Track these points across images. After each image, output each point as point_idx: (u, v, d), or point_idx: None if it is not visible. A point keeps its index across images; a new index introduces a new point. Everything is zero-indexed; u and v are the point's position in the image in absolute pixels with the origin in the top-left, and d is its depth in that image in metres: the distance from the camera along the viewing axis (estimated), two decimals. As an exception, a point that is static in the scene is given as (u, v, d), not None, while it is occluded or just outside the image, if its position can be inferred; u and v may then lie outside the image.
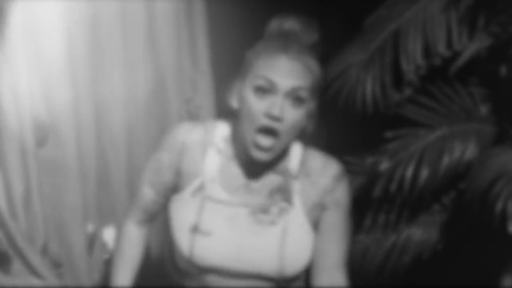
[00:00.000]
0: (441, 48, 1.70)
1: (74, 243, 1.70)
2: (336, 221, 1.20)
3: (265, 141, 1.08)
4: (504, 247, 1.70)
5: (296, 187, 1.18)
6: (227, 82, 1.23)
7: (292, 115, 1.08)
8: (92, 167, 1.69)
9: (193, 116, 1.83)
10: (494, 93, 1.72)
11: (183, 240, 1.14)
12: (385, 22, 1.75)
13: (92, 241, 1.75)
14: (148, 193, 1.23)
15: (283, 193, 1.18)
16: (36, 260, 1.61)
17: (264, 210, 1.16)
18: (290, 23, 1.16)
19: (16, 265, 1.61)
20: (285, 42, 1.12)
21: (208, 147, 1.17)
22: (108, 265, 1.75)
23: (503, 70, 1.69)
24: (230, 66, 1.27)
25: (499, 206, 1.43)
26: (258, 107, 1.08)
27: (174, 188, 1.20)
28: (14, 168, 1.56)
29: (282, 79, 1.08)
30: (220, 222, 1.15)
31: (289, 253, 1.14)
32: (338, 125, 1.89)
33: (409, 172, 1.60)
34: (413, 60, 1.72)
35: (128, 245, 1.31)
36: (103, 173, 1.75)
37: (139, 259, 1.33)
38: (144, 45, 1.71)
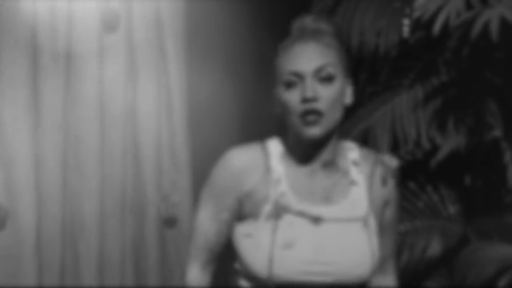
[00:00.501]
0: (410, 145, 1.78)
1: None
2: (394, 215, 1.24)
3: (310, 118, 1.10)
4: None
5: (363, 187, 1.20)
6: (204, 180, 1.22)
7: (327, 93, 1.11)
8: (56, 256, 1.64)
9: (169, 213, 1.84)
10: (463, 197, 1.79)
11: (262, 261, 1.13)
12: (356, 122, 1.85)
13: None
14: (209, 227, 1.19)
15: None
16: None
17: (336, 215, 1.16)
18: (308, 20, 1.20)
19: None
20: (299, 32, 1.17)
21: (269, 165, 1.17)
22: None
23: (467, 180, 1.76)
24: (209, 163, 1.25)
25: None
26: (294, 98, 1.10)
27: (236, 216, 1.18)
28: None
29: (303, 65, 1.12)
30: (301, 232, 1.15)
31: (375, 250, 1.16)
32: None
33: None
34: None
35: None
36: (71, 264, 1.69)
37: None
38: (124, 140, 1.75)
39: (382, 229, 1.22)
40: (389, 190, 1.22)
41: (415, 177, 1.84)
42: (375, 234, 1.20)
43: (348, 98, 1.19)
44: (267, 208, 1.16)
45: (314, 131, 1.11)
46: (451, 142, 1.73)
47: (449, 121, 1.74)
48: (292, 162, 1.17)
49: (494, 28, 1.38)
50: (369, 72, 1.95)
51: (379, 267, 1.22)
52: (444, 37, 1.66)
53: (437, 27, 1.54)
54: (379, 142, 1.79)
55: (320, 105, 1.10)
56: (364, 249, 1.16)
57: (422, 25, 1.68)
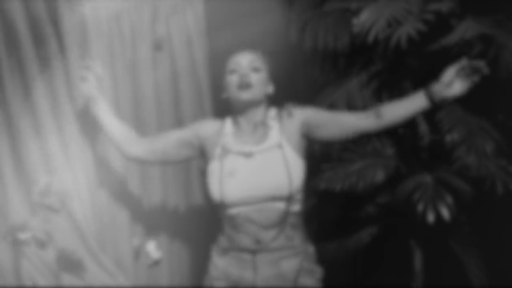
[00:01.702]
0: None
1: (124, 253, 2.04)
2: (324, 113, 1.73)
3: (244, 86, 1.63)
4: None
5: (276, 128, 1.66)
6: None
7: (255, 77, 1.64)
8: (136, 197, 2.06)
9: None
10: (396, 140, 2.32)
11: (215, 188, 1.60)
12: (323, 100, 2.32)
13: (138, 251, 2.09)
14: (168, 138, 1.73)
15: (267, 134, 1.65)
16: (107, 261, 1.94)
17: (263, 148, 1.62)
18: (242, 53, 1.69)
19: (90, 269, 1.91)
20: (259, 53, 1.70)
21: (223, 127, 1.70)
22: (151, 269, 2.13)
23: (400, 131, 2.30)
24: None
25: (420, 207, 1.97)
26: (234, 78, 1.65)
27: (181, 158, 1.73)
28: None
29: (241, 59, 1.66)
30: (239, 164, 1.60)
31: (293, 171, 1.57)
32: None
33: (337, 190, 2.23)
34: None
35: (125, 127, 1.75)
36: (145, 201, 2.09)
37: (119, 131, 1.73)
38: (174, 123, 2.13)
39: (323, 126, 1.67)
40: (298, 114, 1.69)
41: None
42: (291, 155, 1.61)
43: (270, 89, 1.71)
44: (217, 151, 1.66)
45: (245, 95, 1.64)
46: None
47: (383, 96, 2.26)
48: (236, 125, 1.69)
49: (403, 40, 1.94)
50: (331, 63, 2.43)
51: (354, 123, 1.68)
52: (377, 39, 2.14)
53: (370, 38, 2.03)
54: (340, 111, 2.23)
55: (251, 79, 1.64)
56: (280, 166, 1.59)
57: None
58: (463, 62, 1.65)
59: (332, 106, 2.29)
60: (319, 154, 2.31)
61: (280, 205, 1.58)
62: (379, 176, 2.27)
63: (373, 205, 2.43)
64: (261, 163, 1.61)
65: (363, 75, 2.33)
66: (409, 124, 2.24)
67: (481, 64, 1.63)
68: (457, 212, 1.99)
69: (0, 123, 1.80)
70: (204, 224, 2.23)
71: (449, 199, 1.96)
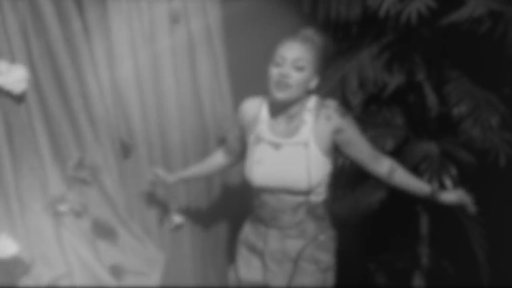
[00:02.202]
0: (370, 85, 2.38)
1: (150, 219, 2.16)
2: (354, 133, 1.68)
3: (282, 86, 1.60)
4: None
5: (309, 125, 1.64)
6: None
7: (296, 76, 1.59)
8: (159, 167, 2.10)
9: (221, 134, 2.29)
10: (406, 110, 2.42)
11: (246, 171, 1.69)
12: (335, 72, 2.44)
13: (162, 217, 2.20)
14: (231, 134, 1.84)
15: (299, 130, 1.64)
16: (136, 228, 2.07)
17: (290, 143, 1.63)
18: (307, 30, 1.65)
19: (122, 236, 2.03)
20: (296, 35, 1.62)
21: (260, 112, 1.71)
22: (174, 233, 2.24)
23: (411, 95, 2.41)
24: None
25: (425, 178, 2.06)
26: (275, 72, 1.60)
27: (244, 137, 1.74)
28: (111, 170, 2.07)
29: (287, 53, 1.60)
30: (267, 154, 1.65)
31: (313, 170, 1.60)
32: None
33: (348, 160, 2.24)
34: (352, 92, 2.42)
35: (208, 158, 1.93)
36: (167, 171, 2.10)
37: (208, 170, 1.91)
38: (190, 95, 2.21)
39: (351, 142, 1.68)
40: (336, 121, 1.65)
41: (375, 103, 2.46)
42: (315, 155, 1.62)
43: (312, 85, 1.65)
44: (252, 138, 1.71)
45: (280, 95, 1.61)
46: (396, 80, 2.34)
47: (394, 67, 2.32)
48: (271, 113, 1.69)
49: (414, 16, 2.00)
50: (343, 33, 2.48)
51: (372, 161, 1.71)
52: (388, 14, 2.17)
53: (381, 13, 2.10)
54: (351, 83, 2.37)
55: (290, 81, 1.60)
56: (302, 164, 1.61)
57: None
58: (465, 199, 1.79)
59: (343, 78, 2.35)
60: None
61: (297, 198, 1.65)
62: (389, 145, 2.34)
63: None
64: (285, 157, 1.65)
65: (374, 46, 2.36)
66: (418, 95, 2.35)
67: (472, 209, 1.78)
68: (461, 182, 2.09)
69: (35, 105, 1.91)
70: (221, 191, 2.36)
71: (453, 170, 2.05)
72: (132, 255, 2.03)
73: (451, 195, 1.79)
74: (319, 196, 1.69)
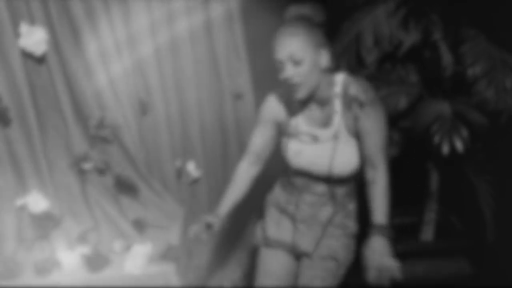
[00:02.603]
0: (385, 42, 2.36)
1: (167, 173, 2.24)
2: (370, 124, 1.54)
3: (292, 88, 1.53)
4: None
5: (339, 114, 1.58)
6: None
7: (298, 71, 1.50)
8: (176, 123, 2.22)
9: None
10: (421, 68, 2.41)
11: (287, 158, 1.66)
12: (350, 27, 2.43)
13: (180, 172, 2.28)
14: (256, 138, 1.70)
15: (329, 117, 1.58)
16: (155, 183, 2.16)
17: (326, 136, 1.59)
18: (302, 8, 1.52)
19: (142, 191, 2.11)
20: (287, 25, 1.48)
21: (291, 103, 1.64)
22: (192, 186, 2.33)
23: (426, 53, 2.38)
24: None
25: (436, 139, 2.11)
26: (281, 77, 1.54)
27: (278, 134, 1.67)
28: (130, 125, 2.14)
29: (280, 54, 1.51)
30: (305, 146, 1.62)
31: (338, 160, 1.58)
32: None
33: None
34: (367, 49, 2.40)
35: (237, 179, 1.73)
36: (184, 126, 2.24)
37: (244, 191, 1.72)
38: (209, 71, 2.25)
39: (362, 134, 1.56)
40: (355, 110, 1.57)
41: (390, 61, 2.43)
42: (350, 142, 1.58)
43: (324, 63, 1.53)
44: (290, 130, 1.67)
45: (297, 95, 1.56)
46: (411, 38, 2.31)
47: (410, 24, 2.30)
48: (303, 104, 1.65)
49: None
50: None
51: (369, 163, 1.58)
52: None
53: None
54: (366, 40, 2.37)
55: (296, 80, 1.53)
56: (337, 154, 1.59)
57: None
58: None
59: (358, 35, 2.35)
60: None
61: (327, 177, 1.68)
62: (402, 103, 2.36)
63: (395, 129, 2.50)
64: (323, 149, 1.65)
65: (390, 3, 2.34)
66: (434, 54, 2.33)
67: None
68: (472, 141, 2.12)
69: (56, 66, 1.96)
70: (237, 145, 2.41)
71: (465, 132, 2.08)
72: (152, 209, 2.12)
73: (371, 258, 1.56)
74: (349, 177, 1.70)
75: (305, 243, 1.75)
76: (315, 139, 1.63)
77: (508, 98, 2.07)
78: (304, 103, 1.65)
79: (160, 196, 2.17)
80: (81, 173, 2.01)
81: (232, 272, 2.39)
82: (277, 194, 1.83)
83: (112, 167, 2.06)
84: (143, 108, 2.17)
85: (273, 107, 1.70)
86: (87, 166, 1.98)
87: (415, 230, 2.65)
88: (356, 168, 1.62)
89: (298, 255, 1.80)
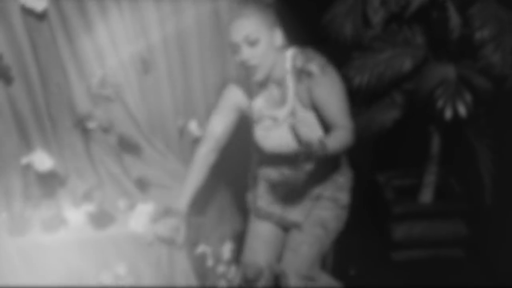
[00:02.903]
0: (392, 3, 2.30)
1: (169, 131, 2.23)
2: (325, 94, 1.55)
3: (250, 70, 1.57)
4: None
5: (291, 89, 1.62)
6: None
7: (255, 52, 1.52)
8: (179, 82, 2.20)
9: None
10: (427, 30, 2.35)
11: (257, 140, 1.71)
12: None
13: (182, 131, 2.26)
14: (216, 124, 1.75)
15: (284, 93, 1.64)
16: (158, 143, 2.16)
17: (283, 116, 1.65)
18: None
19: (145, 150, 2.12)
20: (239, 7, 1.51)
21: (252, 88, 1.69)
22: (194, 144, 2.28)
23: (434, 14, 2.32)
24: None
25: (440, 103, 2.10)
26: (237, 60, 1.58)
27: (239, 119, 1.74)
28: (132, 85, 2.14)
29: (234, 37, 1.52)
30: (270, 127, 1.67)
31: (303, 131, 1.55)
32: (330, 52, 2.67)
33: (365, 79, 2.34)
34: (374, 9, 2.36)
35: (196, 167, 1.79)
36: (186, 85, 2.22)
37: (203, 179, 1.77)
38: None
39: (319, 104, 1.55)
40: (306, 82, 1.56)
41: (396, 21, 2.37)
42: (301, 119, 1.59)
43: (278, 41, 1.55)
44: (255, 116, 1.72)
45: (255, 77, 1.57)
46: None
47: None
48: (263, 87, 1.67)
49: None
50: None
51: (332, 128, 1.55)
52: None
53: None
54: (373, 0, 2.30)
55: (253, 62, 1.54)
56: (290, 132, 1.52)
57: None
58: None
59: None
60: (350, 43, 2.41)
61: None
62: (407, 65, 2.35)
63: (399, 91, 2.53)
64: (282, 129, 1.67)
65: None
66: (441, 16, 2.27)
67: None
68: (476, 106, 2.12)
69: (57, 22, 1.92)
70: None
71: (468, 97, 2.07)
72: (155, 168, 2.14)
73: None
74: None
75: (296, 215, 1.79)
76: (275, 120, 1.63)
77: (514, 62, 2.05)
78: (262, 85, 1.64)
79: (162, 155, 2.18)
80: (85, 132, 2.01)
81: (231, 229, 2.45)
82: (266, 170, 1.83)
83: (115, 126, 2.07)
84: (145, 67, 2.15)
85: (234, 93, 1.71)
86: (91, 125, 1.99)
87: (414, 192, 2.71)
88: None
89: (288, 227, 1.84)
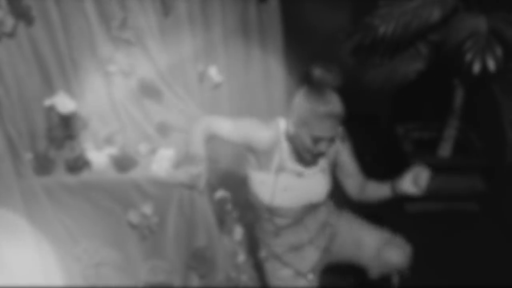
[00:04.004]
0: None
1: (189, 77, 2.24)
2: (347, 157, 1.79)
3: (314, 157, 1.67)
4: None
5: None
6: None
7: (330, 145, 1.63)
8: (199, 26, 2.20)
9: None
10: None
11: (266, 196, 1.74)
12: None
13: (202, 75, 2.29)
14: (232, 133, 1.73)
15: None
16: (178, 88, 2.18)
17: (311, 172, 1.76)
18: (320, 72, 1.55)
19: (165, 95, 2.14)
20: (327, 105, 1.54)
21: (280, 140, 1.70)
22: (214, 90, 2.35)
23: None
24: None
25: (468, 57, 2.07)
26: (311, 147, 1.61)
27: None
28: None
29: (325, 133, 1.57)
30: (292, 181, 1.74)
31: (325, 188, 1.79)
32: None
33: (390, 28, 2.29)
34: None
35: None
36: (207, 29, 2.23)
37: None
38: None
39: (344, 164, 1.80)
40: (336, 147, 1.76)
41: None
42: (329, 174, 1.79)
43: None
44: (274, 165, 1.70)
45: (310, 161, 1.69)
46: None
47: None
48: (291, 145, 1.69)
49: None
50: None
51: (354, 185, 1.83)
52: None
53: None
54: None
55: (324, 152, 1.64)
56: (322, 185, 1.77)
57: None
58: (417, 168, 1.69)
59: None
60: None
61: (312, 205, 1.85)
62: (435, 15, 2.28)
63: (424, 42, 2.49)
64: (308, 182, 1.76)
65: None
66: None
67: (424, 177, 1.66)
68: (506, 60, 2.07)
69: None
70: (259, 49, 2.39)
71: (499, 51, 2.01)
72: (176, 114, 2.15)
73: (408, 183, 1.72)
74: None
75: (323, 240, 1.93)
76: (299, 175, 1.71)
77: (552, 16, 1.97)
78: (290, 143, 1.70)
79: (182, 100, 2.18)
80: (106, 75, 2.02)
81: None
82: (280, 242, 1.92)
83: (136, 70, 2.06)
84: (166, 9, 2.10)
85: (264, 136, 1.69)
86: (112, 68, 1.99)
87: (433, 145, 2.70)
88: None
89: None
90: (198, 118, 1.81)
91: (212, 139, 1.79)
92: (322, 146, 1.60)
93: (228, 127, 1.73)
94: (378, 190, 1.79)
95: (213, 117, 1.78)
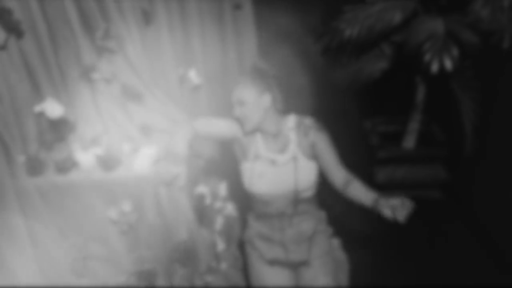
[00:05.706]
0: None
1: (170, 80, 2.34)
2: (326, 145, 1.90)
3: (242, 124, 1.88)
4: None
5: (294, 142, 1.91)
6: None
7: (243, 111, 1.85)
8: (178, 32, 2.31)
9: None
10: None
11: (246, 183, 1.93)
12: None
13: (182, 78, 2.37)
14: (213, 126, 1.94)
15: (286, 144, 1.91)
16: (159, 92, 2.25)
17: (283, 160, 1.90)
18: (260, 63, 1.87)
19: (147, 99, 2.22)
20: (243, 75, 1.84)
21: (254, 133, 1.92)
22: (194, 92, 2.44)
23: None
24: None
25: (427, 57, 2.20)
26: (233, 114, 1.88)
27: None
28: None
29: (232, 97, 1.87)
30: (266, 169, 1.91)
31: (301, 177, 1.89)
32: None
33: (355, 31, 2.44)
34: None
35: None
36: (186, 35, 2.32)
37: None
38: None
39: (321, 154, 1.90)
40: (312, 137, 1.90)
41: None
42: (304, 164, 1.89)
43: (266, 103, 1.87)
44: (251, 154, 1.91)
45: (244, 128, 1.90)
46: None
47: None
48: (263, 133, 1.91)
49: None
50: None
51: (333, 173, 1.92)
52: None
53: None
54: None
55: (241, 117, 1.87)
56: (293, 173, 1.88)
57: None
58: (397, 201, 1.78)
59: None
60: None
61: (293, 196, 1.94)
62: (397, 18, 2.43)
63: (388, 43, 2.66)
64: (281, 170, 1.91)
65: None
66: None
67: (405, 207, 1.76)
68: (462, 59, 2.18)
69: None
70: (235, 53, 2.50)
71: (455, 51, 2.13)
72: (157, 115, 2.24)
73: (387, 209, 1.82)
74: (311, 190, 1.96)
75: (298, 257, 1.99)
76: (273, 162, 1.89)
77: (503, 18, 2.08)
78: (262, 134, 1.90)
79: (163, 102, 2.28)
80: (91, 82, 2.12)
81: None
82: (256, 228, 2.05)
83: (118, 76, 2.16)
84: (146, 19, 2.22)
85: (236, 125, 1.93)
86: (95, 76, 2.10)
87: (398, 138, 2.84)
88: (315, 183, 1.93)
89: (295, 266, 2.03)
90: (181, 121, 2.00)
91: (194, 140, 1.94)
92: (235, 111, 1.84)
93: (215, 122, 1.95)
94: (361, 195, 1.88)
95: (197, 119, 1.96)
